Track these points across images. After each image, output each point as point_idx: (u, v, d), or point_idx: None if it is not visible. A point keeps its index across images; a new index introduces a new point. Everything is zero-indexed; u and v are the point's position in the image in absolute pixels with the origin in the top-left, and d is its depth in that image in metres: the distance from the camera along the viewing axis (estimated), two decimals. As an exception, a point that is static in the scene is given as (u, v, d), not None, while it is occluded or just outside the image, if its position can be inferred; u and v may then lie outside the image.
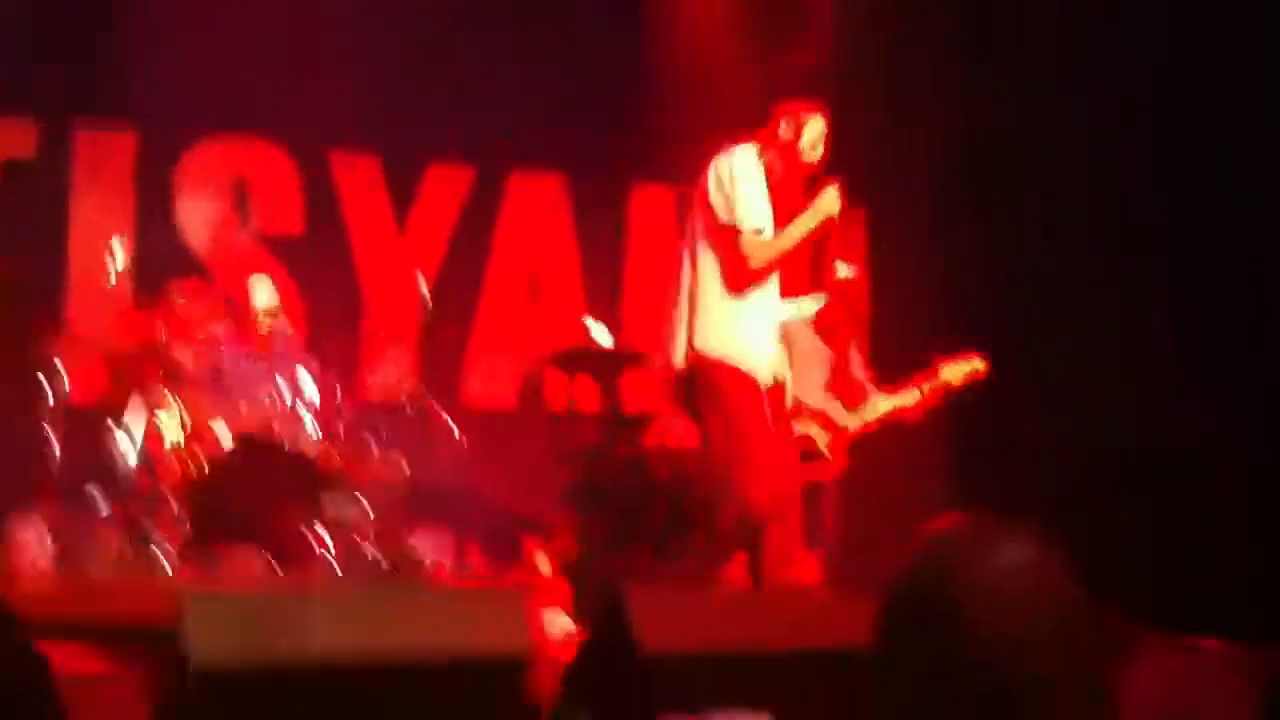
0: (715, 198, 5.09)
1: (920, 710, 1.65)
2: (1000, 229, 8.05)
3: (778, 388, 5.40)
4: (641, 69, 8.63)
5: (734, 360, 5.07)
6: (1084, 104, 7.68)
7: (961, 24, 8.50)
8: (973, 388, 6.52)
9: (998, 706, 1.62)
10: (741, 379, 5.05)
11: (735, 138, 5.33)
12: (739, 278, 5.11)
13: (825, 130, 5.25)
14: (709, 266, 5.16)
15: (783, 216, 5.19)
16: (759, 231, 5.07)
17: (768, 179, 5.16)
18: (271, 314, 7.13)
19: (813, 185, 5.29)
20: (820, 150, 5.26)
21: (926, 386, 6.49)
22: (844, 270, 6.00)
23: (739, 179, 5.03)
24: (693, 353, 5.10)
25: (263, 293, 7.19)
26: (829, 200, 5.16)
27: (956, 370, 6.49)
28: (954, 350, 6.54)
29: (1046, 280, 7.74)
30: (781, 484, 5.13)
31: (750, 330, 5.17)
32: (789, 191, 5.25)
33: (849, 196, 5.19)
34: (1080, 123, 7.67)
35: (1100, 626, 1.75)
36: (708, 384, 5.11)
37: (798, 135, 5.24)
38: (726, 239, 5.09)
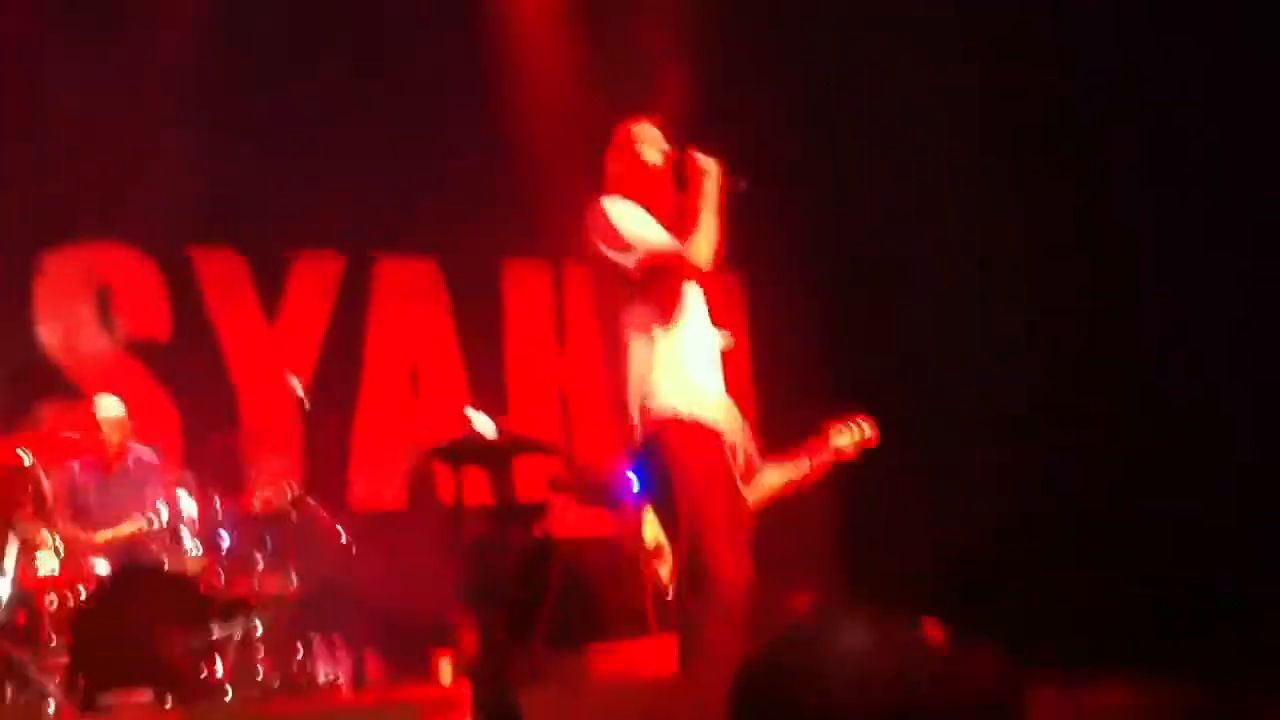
0: (614, 253, 4.70)
1: None
2: (880, 288, 8.09)
3: (734, 447, 5.14)
4: (503, 145, 8.55)
5: (693, 414, 4.68)
6: (956, 162, 7.75)
7: (824, 82, 8.57)
8: (863, 454, 6.49)
9: None
10: (704, 435, 4.68)
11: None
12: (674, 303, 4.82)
13: (655, 127, 5.00)
14: (639, 324, 4.85)
15: (679, 224, 4.94)
16: (668, 242, 4.71)
17: (642, 204, 4.93)
18: (118, 429, 6.90)
19: (680, 176, 5.00)
20: (661, 145, 4.95)
21: (817, 455, 6.44)
22: (723, 340, 5.90)
23: (618, 220, 4.68)
24: (648, 416, 4.63)
25: (107, 408, 6.97)
26: (703, 166, 4.70)
27: (847, 436, 6.44)
28: (839, 414, 6.51)
29: (928, 340, 7.78)
30: (744, 558, 4.86)
31: (699, 377, 4.73)
32: (664, 200, 4.99)
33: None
34: (954, 182, 7.74)
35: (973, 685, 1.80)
36: (669, 446, 4.61)
37: (631, 148, 5.03)
38: (650, 276, 4.68)
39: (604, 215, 4.71)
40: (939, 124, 7.88)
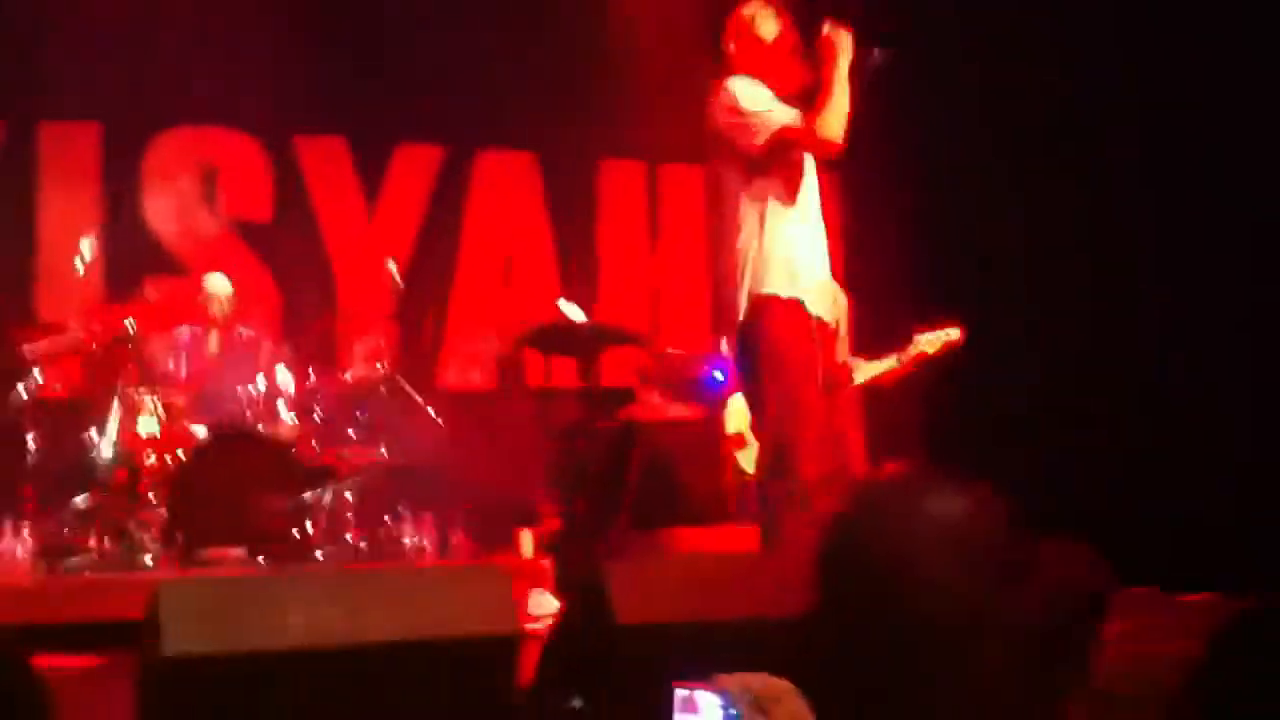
0: (741, 131, 4.62)
1: (858, 652, 1.73)
2: (971, 199, 8.03)
3: (833, 333, 5.07)
4: (606, 45, 8.59)
5: (795, 296, 4.64)
6: (1061, 79, 7.64)
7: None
8: (950, 356, 6.54)
9: (927, 649, 1.68)
10: (803, 319, 4.64)
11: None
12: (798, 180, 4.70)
13: (765, 5, 4.92)
14: (755, 204, 4.79)
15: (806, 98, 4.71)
16: (796, 117, 4.62)
17: (766, 81, 4.69)
18: (226, 305, 7.12)
19: (804, 51, 4.90)
20: (776, 23, 4.78)
21: (904, 355, 6.53)
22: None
23: (743, 97, 4.61)
24: (753, 295, 4.60)
25: (216, 285, 7.20)
26: (834, 38, 4.62)
27: (933, 339, 6.51)
28: (931, 318, 6.55)
29: (1021, 251, 7.72)
30: (828, 458, 4.84)
31: (807, 261, 4.69)
32: (788, 74, 4.89)
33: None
34: (1055, 95, 7.63)
35: (1048, 573, 1.80)
36: (769, 327, 4.59)
37: (748, 27, 4.95)
38: (777, 152, 4.61)
39: (729, 94, 4.65)
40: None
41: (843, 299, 5.32)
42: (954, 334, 6.51)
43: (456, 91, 8.34)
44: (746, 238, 4.68)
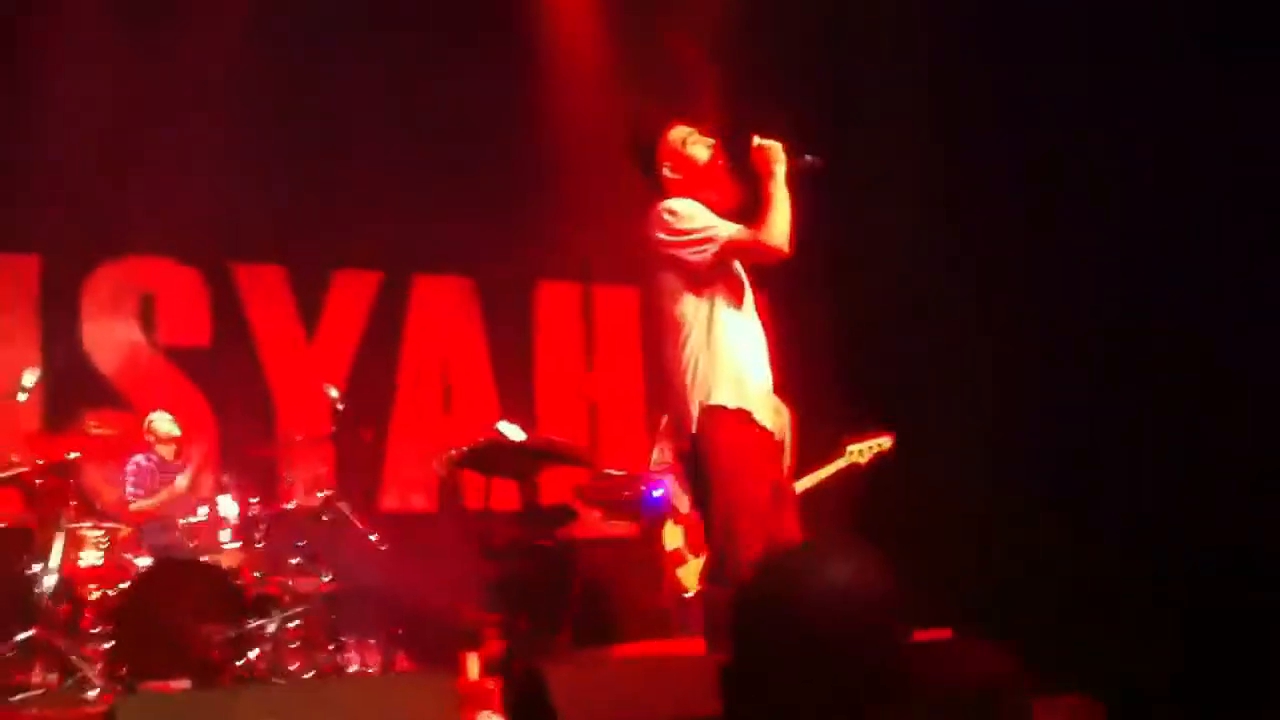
0: (686, 249, 4.69)
1: (766, 702, 1.88)
2: (896, 308, 8.26)
3: (780, 444, 5.14)
4: (540, 170, 8.80)
5: (740, 406, 4.64)
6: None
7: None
8: (880, 465, 6.68)
9: (832, 696, 1.84)
10: (747, 425, 4.66)
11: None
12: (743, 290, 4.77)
13: (693, 127, 4.90)
14: (696, 324, 4.66)
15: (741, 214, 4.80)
16: (740, 230, 4.69)
17: (702, 201, 4.76)
18: (171, 443, 7.26)
19: (736, 168, 5.01)
20: (707, 142, 4.86)
21: (836, 465, 6.65)
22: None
23: (685, 216, 4.68)
24: (703, 406, 4.61)
25: (161, 424, 7.34)
26: (771, 153, 4.72)
27: (864, 448, 6.65)
28: (861, 429, 6.70)
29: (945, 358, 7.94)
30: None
31: (752, 371, 4.72)
32: (721, 193, 5.00)
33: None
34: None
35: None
36: (716, 439, 4.60)
37: (679, 151, 5.04)
38: (722, 266, 4.70)
39: (671, 213, 4.69)
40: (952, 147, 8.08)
41: (785, 411, 5.43)
42: (885, 443, 6.65)
43: (393, 218, 8.50)
44: (692, 349, 4.72)
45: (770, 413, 4.82)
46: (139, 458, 7.25)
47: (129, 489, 7.14)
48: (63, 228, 7.85)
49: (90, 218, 7.92)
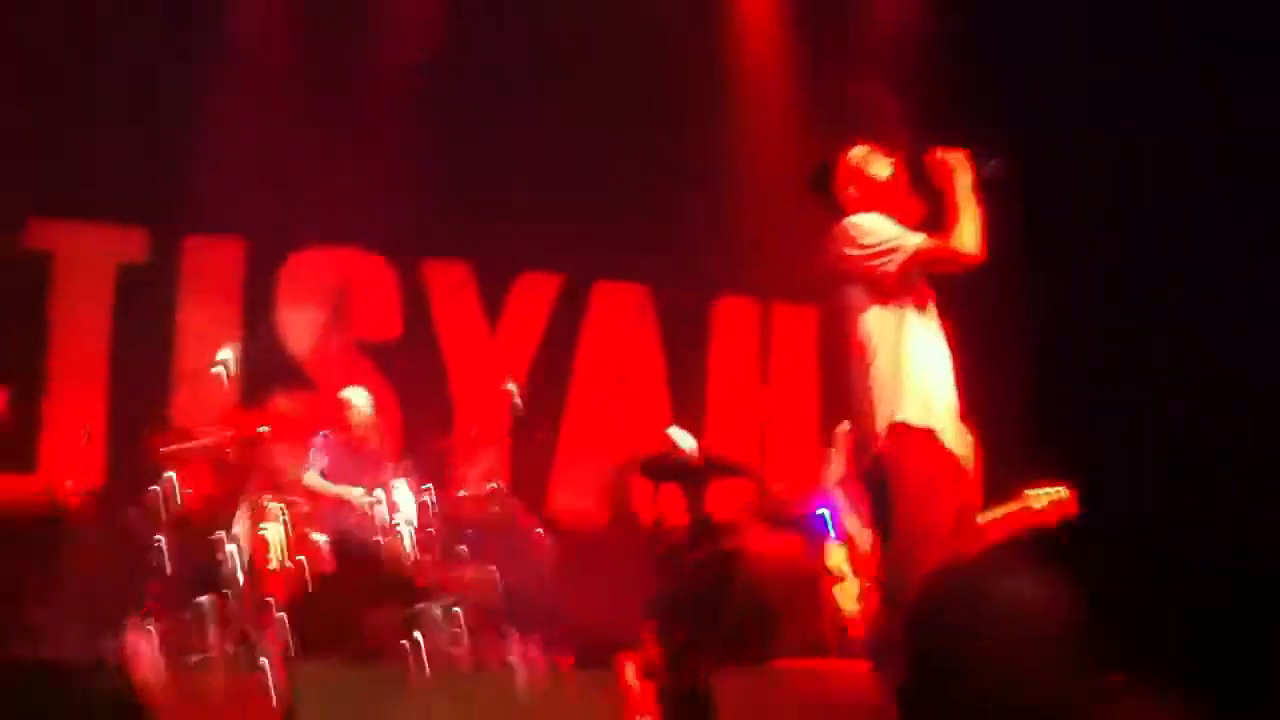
0: (875, 260, 4.62)
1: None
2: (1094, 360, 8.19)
3: (968, 474, 5.02)
4: (722, 183, 8.88)
5: (928, 424, 4.57)
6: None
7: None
8: (1062, 520, 6.47)
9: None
10: (935, 448, 4.57)
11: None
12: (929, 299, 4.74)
13: (872, 146, 4.89)
14: (884, 340, 4.60)
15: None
16: (926, 239, 4.65)
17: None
18: (366, 424, 7.42)
19: (918, 185, 4.75)
20: (887, 160, 4.85)
21: (1009, 509, 6.54)
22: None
23: (870, 230, 4.64)
24: (895, 425, 4.51)
25: (358, 401, 7.52)
26: (949, 159, 4.67)
27: (1042, 498, 6.45)
28: (1042, 477, 6.60)
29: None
30: None
31: (938, 391, 4.63)
32: (906, 211, 4.74)
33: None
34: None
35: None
36: (902, 459, 4.50)
37: (860, 172, 4.99)
38: (914, 272, 4.64)
39: (856, 229, 4.63)
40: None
41: (969, 437, 5.30)
42: (1063, 493, 6.45)
43: (577, 223, 8.65)
44: (879, 365, 4.58)
45: (957, 435, 4.73)
46: (326, 434, 7.47)
47: (313, 464, 7.35)
48: (266, 213, 8.14)
49: (291, 204, 8.20)
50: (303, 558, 6.67)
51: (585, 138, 8.73)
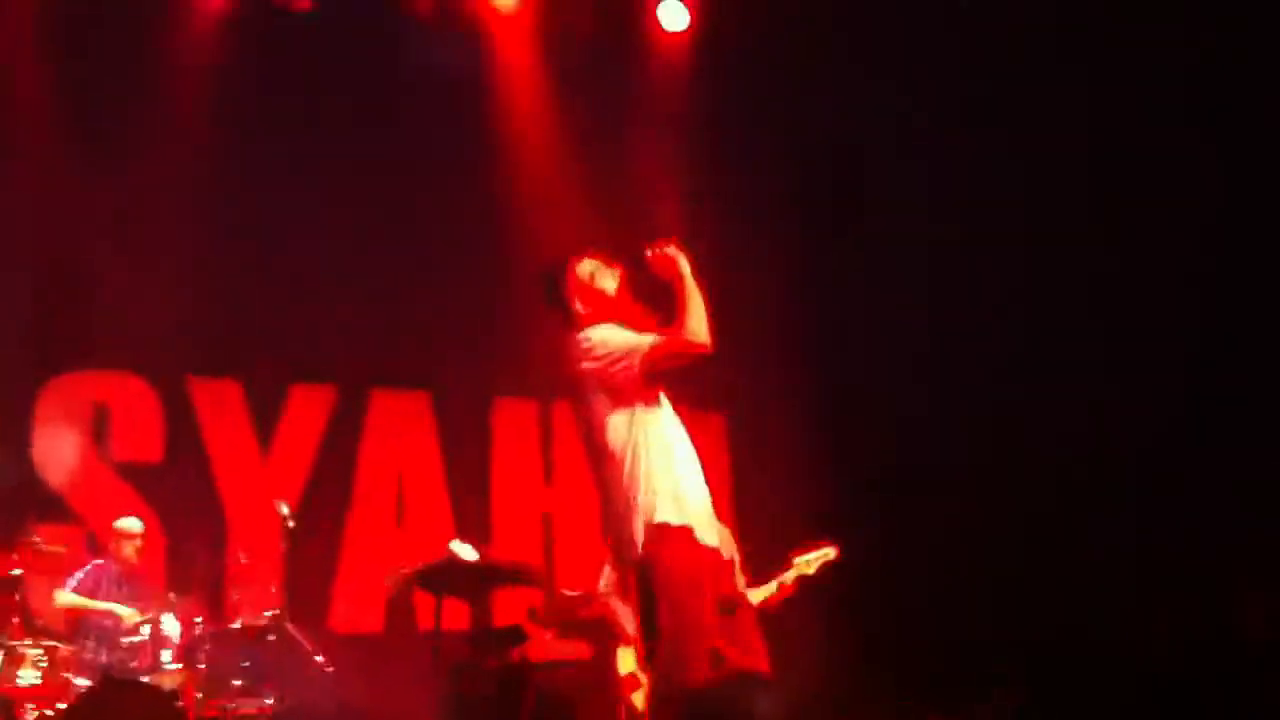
0: (614, 366, 4.75)
1: None
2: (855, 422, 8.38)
3: (728, 562, 5.17)
4: (496, 286, 8.83)
5: (685, 524, 4.70)
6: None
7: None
8: (828, 574, 6.76)
9: None
10: (690, 548, 4.69)
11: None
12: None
13: (598, 259, 4.97)
14: (630, 447, 4.73)
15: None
16: (658, 338, 4.79)
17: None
18: (135, 547, 7.15)
19: (641, 291, 4.91)
20: (613, 272, 4.94)
21: (784, 578, 6.73)
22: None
23: (605, 340, 4.77)
24: (653, 526, 4.64)
25: (130, 526, 7.30)
26: (670, 254, 4.81)
27: (810, 560, 6.75)
28: (813, 539, 6.78)
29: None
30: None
31: (692, 489, 4.77)
32: (633, 320, 4.87)
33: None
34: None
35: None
36: (662, 558, 4.63)
37: (589, 284, 5.07)
38: (654, 372, 4.76)
39: (590, 342, 4.76)
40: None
41: (724, 530, 5.45)
42: (830, 553, 6.76)
43: (350, 332, 8.50)
44: (630, 471, 4.72)
45: (711, 529, 4.81)
46: (97, 562, 7.15)
47: (73, 580, 7.01)
48: (16, 340, 7.81)
49: (44, 330, 7.88)
50: (62, 704, 6.31)
51: (352, 246, 8.59)
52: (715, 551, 4.81)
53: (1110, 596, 7.43)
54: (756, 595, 6.75)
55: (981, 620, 7.67)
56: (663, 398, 4.86)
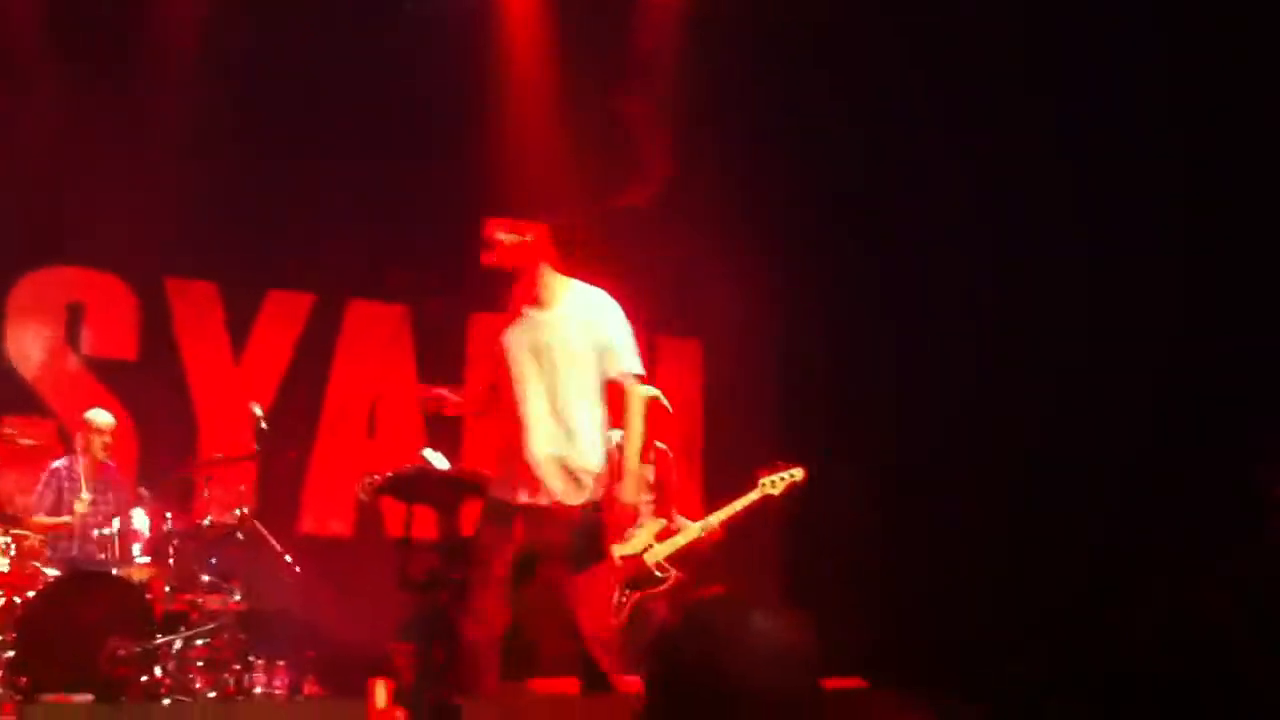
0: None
1: None
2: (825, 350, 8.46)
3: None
4: (478, 202, 8.80)
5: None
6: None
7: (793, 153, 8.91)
8: (794, 495, 6.81)
9: None
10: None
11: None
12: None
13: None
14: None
15: None
16: None
17: None
18: (106, 439, 7.14)
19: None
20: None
21: (749, 497, 6.79)
22: None
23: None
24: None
25: (100, 419, 7.19)
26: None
27: (775, 480, 6.79)
28: (781, 460, 6.84)
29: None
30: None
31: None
32: None
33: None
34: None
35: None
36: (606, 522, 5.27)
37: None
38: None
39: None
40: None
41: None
42: (797, 474, 6.79)
43: (331, 242, 8.48)
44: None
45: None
46: (59, 463, 7.15)
47: (36, 496, 7.03)
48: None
49: (22, 226, 7.84)
50: (30, 591, 6.35)
51: (337, 153, 8.55)
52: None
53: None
54: (721, 514, 6.83)
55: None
56: None
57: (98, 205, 7.86)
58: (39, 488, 7.07)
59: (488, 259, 5.44)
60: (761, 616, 2.01)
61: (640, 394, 5.50)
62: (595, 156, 8.87)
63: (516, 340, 5.33)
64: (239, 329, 8.49)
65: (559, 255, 5.41)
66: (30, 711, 5.28)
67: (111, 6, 8.11)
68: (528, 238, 5.39)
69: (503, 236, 5.38)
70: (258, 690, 6.64)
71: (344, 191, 8.44)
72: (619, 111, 9.03)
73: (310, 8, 8.46)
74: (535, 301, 5.38)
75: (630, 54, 9.21)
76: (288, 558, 7.03)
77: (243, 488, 7.19)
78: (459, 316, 9.14)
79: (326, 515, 8.39)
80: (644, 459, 6.56)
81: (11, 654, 6.16)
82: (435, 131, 8.75)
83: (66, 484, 7.11)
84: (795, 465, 6.74)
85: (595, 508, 5.49)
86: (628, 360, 5.35)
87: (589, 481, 5.39)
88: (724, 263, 8.63)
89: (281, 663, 6.80)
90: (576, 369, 5.31)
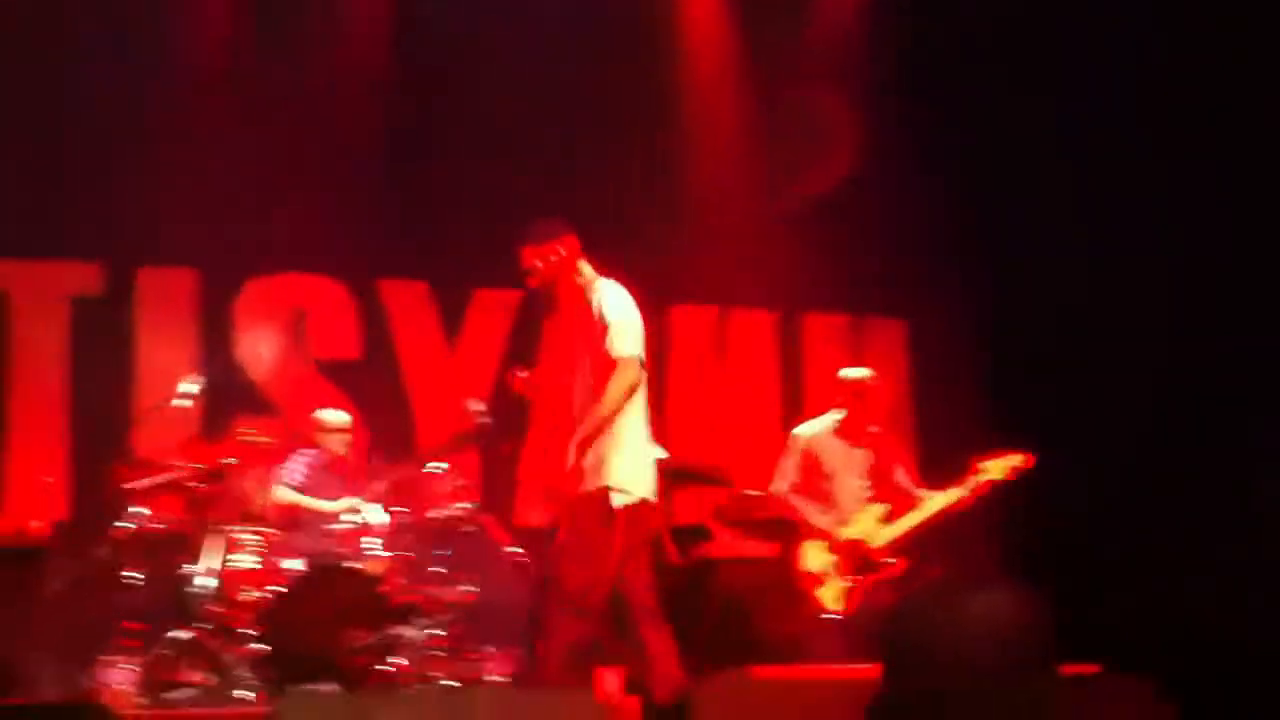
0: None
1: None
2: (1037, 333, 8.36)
3: None
4: (683, 195, 8.92)
5: None
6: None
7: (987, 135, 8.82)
8: (1019, 481, 6.79)
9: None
10: None
11: None
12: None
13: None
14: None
15: None
16: None
17: None
18: (343, 443, 7.42)
19: None
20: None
21: (970, 483, 6.79)
22: None
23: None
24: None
25: (335, 421, 7.55)
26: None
27: (998, 466, 6.78)
28: (1002, 447, 6.82)
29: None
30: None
31: None
32: None
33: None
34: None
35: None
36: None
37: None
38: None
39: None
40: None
41: None
42: (1019, 460, 6.78)
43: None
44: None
45: None
46: (308, 452, 7.48)
47: (285, 472, 7.36)
48: (219, 243, 8.13)
49: (243, 234, 8.18)
50: (275, 586, 6.63)
51: (538, 152, 8.71)
52: None
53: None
54: (941, 501, 6.85)
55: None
56: None
57: (312, 213, 8.15)
58: (297, 468, 7.37)
59: (533, 282, 5.88)
60: (986, 599, 2.02)
61: (624, 374, 5.76)
62: (782, 147, 8.93)
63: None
64: (451, 326, 8.74)
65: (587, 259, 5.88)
66: (290, 702, 5.51)
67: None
68: (561, 252, 5.77)
69: (538, 262, 5.81)
70: (492, 678, 6.83)
71: (553, 193, 8.60)
72: (803, 100, 9.04)
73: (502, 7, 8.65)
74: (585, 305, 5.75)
75: (813, 40, 9.22)
76: (516, 548, 7.21)
77: (465, 482, 7.36)
78: (658, 307, 9.24)
79: (540, 507, 8.58)
80: (853, 441, 6.62)
81: (261, 647, 6.43)
82: (625, 125, 8.87)
83: (321, 473, 7.40)
84: (1017, 451, 6.73)
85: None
86: (618, 344, 5.72)
87: None
88: (929, 242, 8.63)
89: (513, 653, 6.99)
90: None
